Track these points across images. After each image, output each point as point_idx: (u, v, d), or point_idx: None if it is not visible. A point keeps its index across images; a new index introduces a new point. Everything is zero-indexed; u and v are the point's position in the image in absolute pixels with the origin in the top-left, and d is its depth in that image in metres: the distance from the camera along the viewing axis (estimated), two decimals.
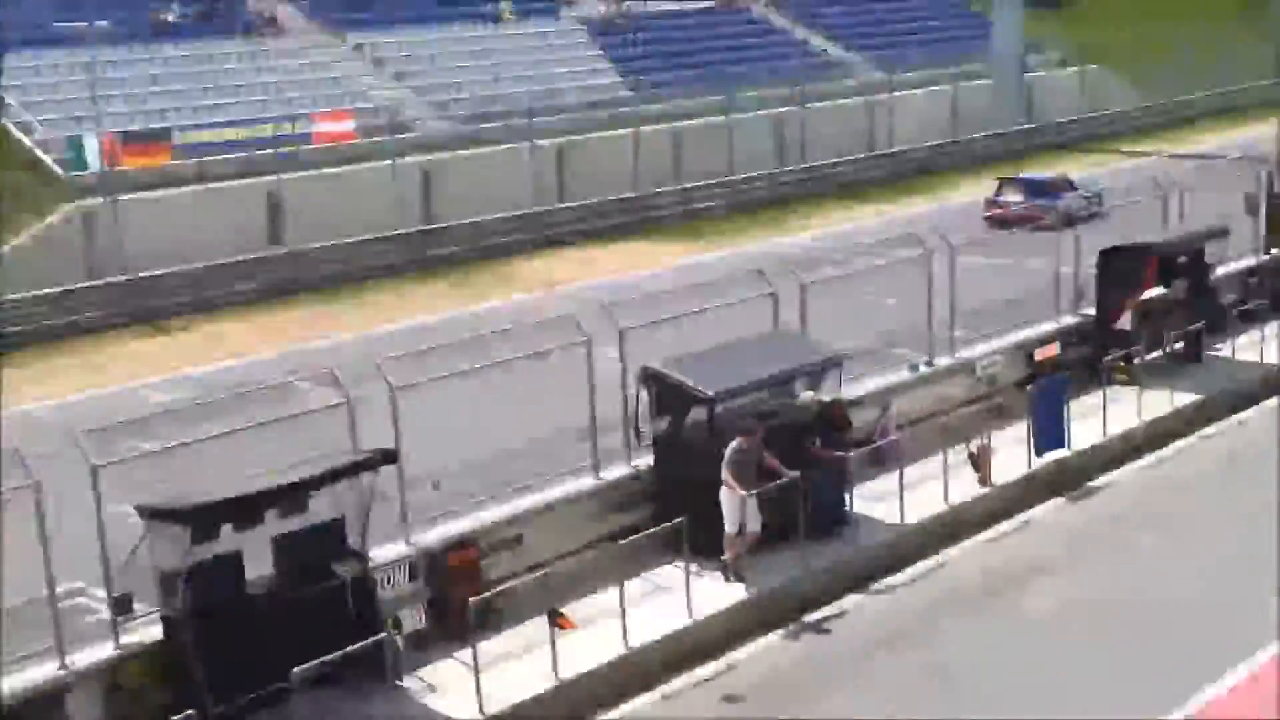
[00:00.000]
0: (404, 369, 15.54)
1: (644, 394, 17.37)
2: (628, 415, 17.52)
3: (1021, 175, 38.77)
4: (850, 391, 19.43)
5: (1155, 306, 23.79)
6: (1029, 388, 20.76)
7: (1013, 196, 36.38)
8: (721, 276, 21.95)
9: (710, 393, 16.75)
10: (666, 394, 17.22)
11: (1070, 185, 37.69)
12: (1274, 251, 27.37)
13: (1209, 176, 32.55)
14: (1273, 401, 22.93)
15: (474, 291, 32.57)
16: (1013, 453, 19.67)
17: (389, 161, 34.71)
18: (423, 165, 35.67)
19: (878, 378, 21.29)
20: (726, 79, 41.85)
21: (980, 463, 19.40)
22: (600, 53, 47.34)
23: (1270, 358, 24.05)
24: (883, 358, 22.66)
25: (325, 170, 35.05)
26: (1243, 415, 22.60)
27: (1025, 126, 48.27)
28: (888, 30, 54.18)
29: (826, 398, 18.43)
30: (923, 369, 22.04)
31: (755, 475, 16.26)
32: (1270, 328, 24.86)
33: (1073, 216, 32.94)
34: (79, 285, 30.91)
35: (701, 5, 53.44)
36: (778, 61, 47.58)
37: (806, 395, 18.47)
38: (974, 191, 40.32)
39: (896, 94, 45.22)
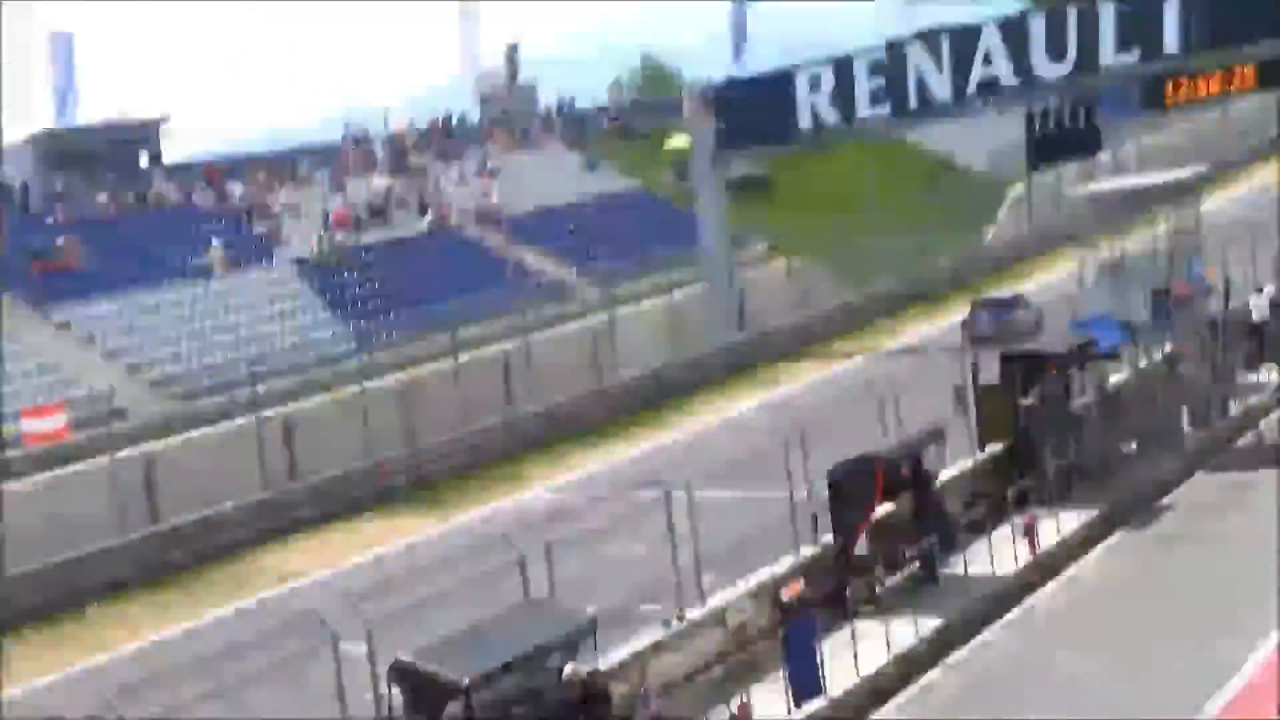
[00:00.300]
0: None
1: (396, 691, 16.76)
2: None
3: (990, 296, 47.66)
4: (607, 660, 19.12)
5: (887, 525, 23.77)
6: (780, 633, 20.68)
7: (986, 315, 44.59)
8: (464, 546, 21.60)
9: (464, 681, 16.21)
10: (420, 688, 16.58)
11: (1025, 303, 45.30)
12: (991, 449, 27.81)
13: (920, 369, 33.38)
14: (1010, 615, 23.47)
15: (205, 599, 30.61)
16: (772, 703, 19.47)
17: (106, 457, 33.14)
18: (143, 456, 34.21)
19: (634, 641, 20.79)
20: (448, 316, 41.53)
21: None
22: (318, 298, 46.53)
23: (1001, 569, 24.37)
24: (636, 616, 22.36)
25: (37, 477, 33.19)
26: (984, 635, 22.98)
27: (740, 339, 47.97)
28: (602, 242, 53.38)
29: (584, 670, 18.01)
30: (675, 624, 21.72)
31: None
32: (997, 535, 25.08)
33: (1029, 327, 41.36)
34: None
35: (414, 231, 52.68)
36: (495, 287, 47.24)
37: (569, 669, 17.88)
38: (705, 419, 41.03)
39: (619, 311, 45.11)
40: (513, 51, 71.91)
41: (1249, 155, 68.09)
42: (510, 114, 67.12)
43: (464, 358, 39.53)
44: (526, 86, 71.73)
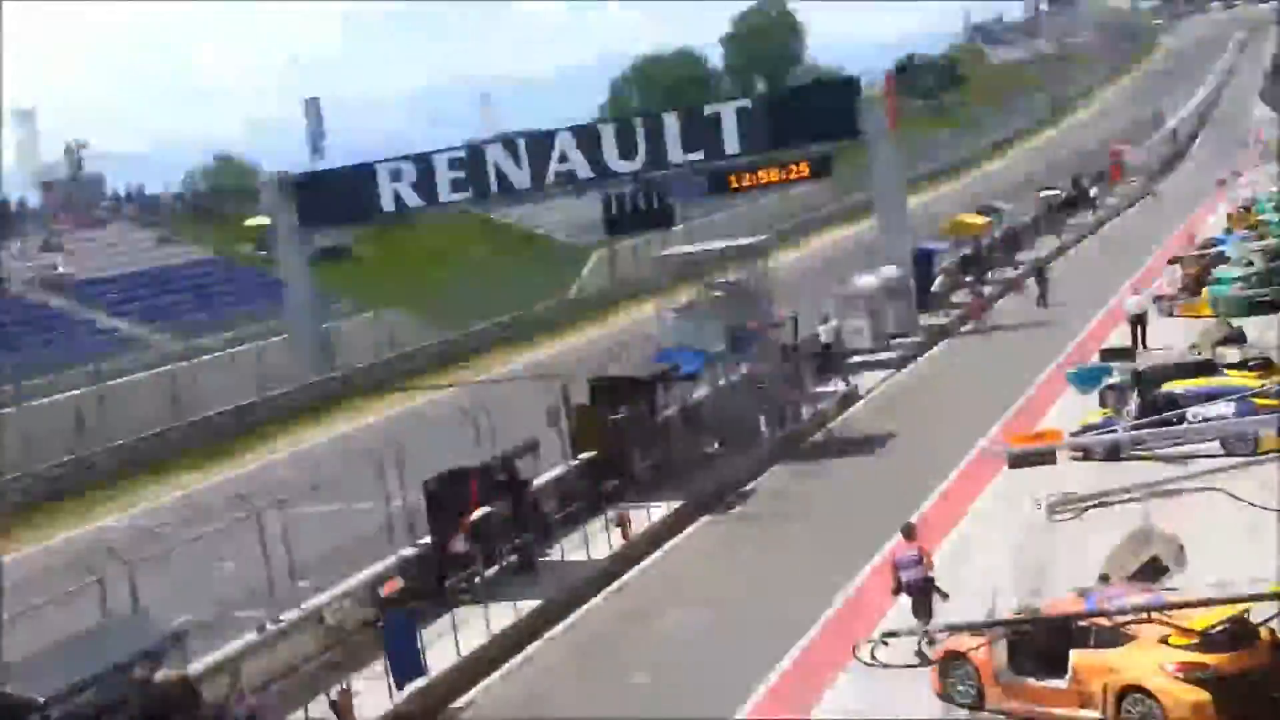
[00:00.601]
0: None
1: None
2: None
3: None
4: (198, 665, 18.79)
5: (484, 525, 24.66)
6: (379, 624, 20.83)
7: None
8: (41, 569, 20.49)
9: (40, 699, 15.46)
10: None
11: None
12: (582, 456, 28.98)
13: (514, 396, 34.60)
14: (610, 589, 24.40)
15: None
16: (376, 691, 19.58)
17: None
18: None
19: (225, 646, 20.45)
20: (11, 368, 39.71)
21: (342, 709, 19.05)
22: None
23: (596, 554, 25.40)
24: (228, 623, 21.81)
25: None
26: (583, 609, 23.74)
27: (331, 376, 49.13)
28: (183, 304, 54.20)
29: (175, 674, 17.53)
30: (270, 627, 21.39)
31: None
32: (592, 526, 26.36)
33: None
34: None
35: None
36: (66, 344, 45.99)
37: (159, 675, 17.50)
38: (286, 448, 41.02)
39: (200, 359, 44.97)
40: (76, 146, 74.91)
41: (804, 228, 76.42)
42: (75, 199, 69.43)
43: (35, 403, 37.66)
44: (92, 176, 75.18)
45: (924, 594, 19.17)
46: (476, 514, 24.71)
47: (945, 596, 19.16)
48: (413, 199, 49.59)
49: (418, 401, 46.29)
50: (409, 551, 24.42)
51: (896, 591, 19.56)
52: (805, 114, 45.91)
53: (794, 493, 29.28)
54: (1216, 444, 24.43)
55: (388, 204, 49.79)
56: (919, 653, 18.13)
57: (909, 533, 20.28)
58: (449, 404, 36.76)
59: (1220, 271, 41.35)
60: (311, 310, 51.67)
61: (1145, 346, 35.82)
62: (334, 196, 50.73)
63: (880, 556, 22.79)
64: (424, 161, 49.20)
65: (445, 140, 54.62)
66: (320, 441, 41.34)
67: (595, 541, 25.71)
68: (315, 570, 23.22)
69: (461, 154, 50.11)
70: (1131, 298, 39.45)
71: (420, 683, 20.14)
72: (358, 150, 69.50)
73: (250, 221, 62.98)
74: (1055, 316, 43.73)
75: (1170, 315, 39.36)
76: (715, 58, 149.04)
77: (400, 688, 19.87)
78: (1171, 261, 46.03)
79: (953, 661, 17.05)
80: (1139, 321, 37.25)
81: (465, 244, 65.53)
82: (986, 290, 50.62)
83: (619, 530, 26.11)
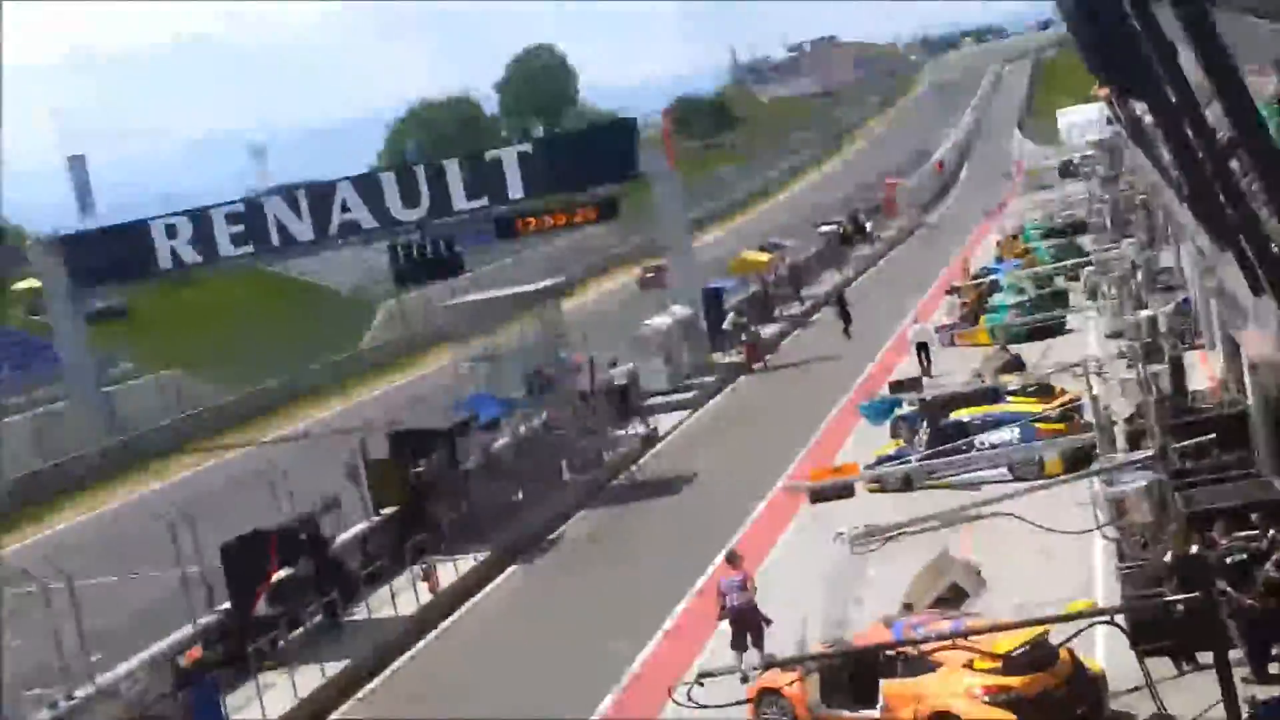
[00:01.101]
0: None
1: None
2: None
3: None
4: None
5: (286, 587, 24.17)
6: (180, 696, 20.27)
7: None
8: None
9: None
10: None
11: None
12: (384, 511, 28.59)
13: (310, 454, 34.02)
14: (419, 645, 24.09)
15: None
16: None
17: None
18: None
19: None
20: None
21: None
22: None
23: (404, 609, 25.03)
24: (19, 703, 20.90)
25: None
26: (393, 667, 23.39)
27: (117, 440, 47.67)
28: None
29: None
30: (63, 704, 20.56)
31: None
32: (398, 582, 25.98)
33: None
34: None
35: None
36: None
37: None
38: (75, 516, 39.60)
39: None
40: None
41: (595, 270, 77.08)
42: None
43: None
44: None
45: (747, 620, 19.46)
46: (277, 575, 24.31)
47: (768, 621, 19.50)
48: (191, 255, 48.48)
49: (210, 463, 45.27)
50: (208, 618, 23.81)
51: (721, 617, 19.81)
52: (586, 156, 46.41)
53: (601, 537, 29.37)
54: (1004, 470, 25.36)
55: (165, 261, 48.57)
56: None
57: (733, 559, 20.65)
58: (243, 465, 36.00)
59: (995, 300, 42.97)
60: (91, 373, 50.13)
61: (931, 374, 37.31)
62: (107, 255, 49.31)
63: (689, 598, 23.07)
64: (201, 217, 48.18)
65: (219, 194, 53.46)
66: (110, 508, 40.04)
67: (402, 597, 25.39)
68: (109, 643, 22.59)
69: (240, 208, 49.18)
70: (914, 326, 40.98)
71: None
72: (128, 206, 67.52)
73: (19, 285, 61.78)
74: (844, 350, 44.82)
75: (951, 344, 40.72)
76: (490, 104, 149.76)
77: None
78: (949, 292, 47.66)
79: (767, 697, 17.29)
80: (923, 349, 38.88)
81: (249, 299, 64.31)
82: (775, 328, 51.67)
83: (425, 584, 25.81)
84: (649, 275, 62.93)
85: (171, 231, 47.98)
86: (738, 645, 19.40)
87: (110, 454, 46.57)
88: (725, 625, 19.75)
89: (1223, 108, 7.69)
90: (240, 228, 47.79)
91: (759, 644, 19.40)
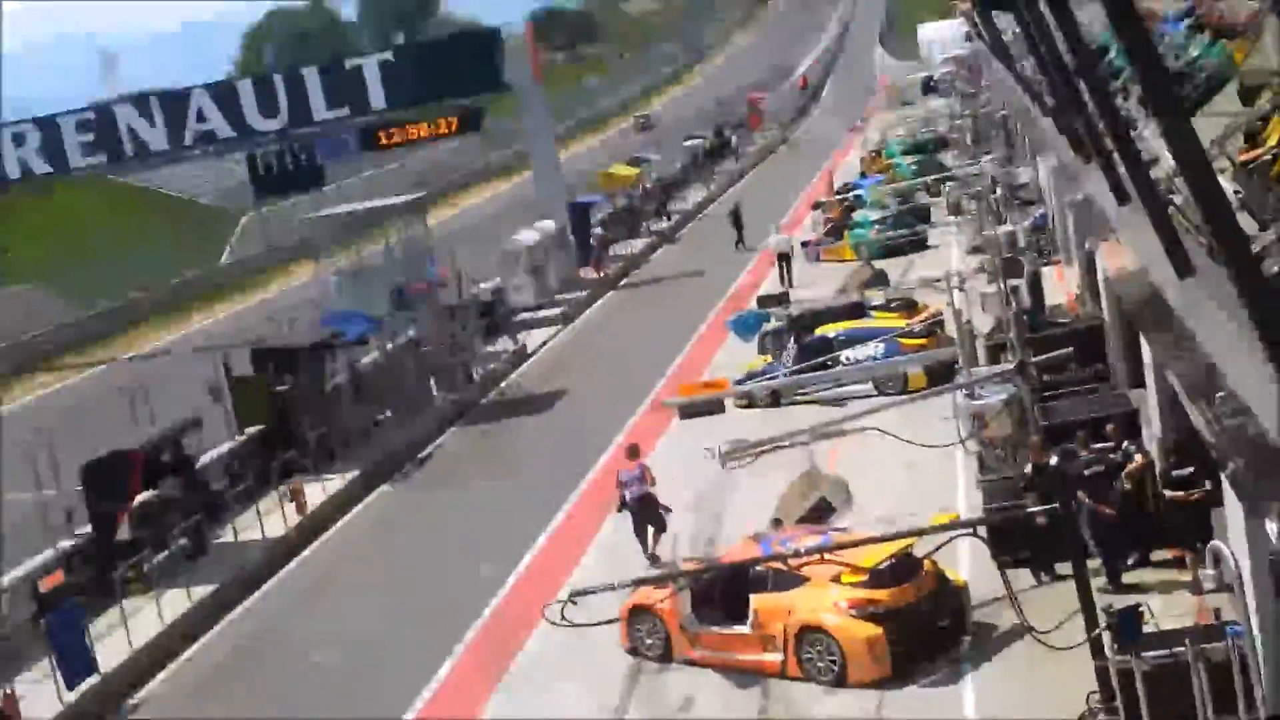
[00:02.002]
0: None
1: None
2: None
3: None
4: None
5: (152, 509, 23.80)
6: (42, 622, 19.89)
7: None
8: None
9: None
10: None
11: None
12: (249, 430, 28.12)
13: (171, 372, 33.34)
14: (287, 568, 23.88)
15: None
16: (44, 692, 18.83)
17: None
18: None
19: None
20: None
21: (6, 713, 18.14)
22: None
23: (271, 531, 24.73)
24: None
25: None
26: (261, 590, 23.19)
27: None
28: None
29: None
30: None
31: None
32: (265, 503, 25.57)
33: None
34: None
35: None
36: None
37: None
38: None
39: None
40: None
41: (460, 184, 76.00)
42: None
43: None
44: None
45: (648, 509, 20.21)
46: (141, 498, 23.97)
47: (668, 510, 20.23)
48: (40, 165, 46.74)
49: (66, 382, 44.07)
50: (69, 542, 23.35)
51: (621, 509, 20.47)
52: (449, 67, 45.51)
53: (470, 455, 29.27)
54: (869, 384, 25.76)
55: (12, 171, 46.68)
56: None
57: (632, 452, 21.37)
58: (101, 383, 35.09)
59: (859, 216, 43.39)
60: None
61: (792, 284, 37.99)
62: None
63: (560, 516, 23.20)
64: (49, 125, 46.42)
65: (69, 103, 51.46)
66: None
67: (269, 519, 25.00)
68: None
69: (90, 115, 47.26)
70: (775, 237, 41.34)
71: (92, 680, 19.38)
72: None
73: None
74: (711, 265, 44.98)
75: (817, 260, 41.09)
76: (349, 10, 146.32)
77: (71, 687, 19.18)
78: (814, 207, 48.01)
79: (638, 615, 17.42)
80: (784, 259, 39.69)
81: (103, 211, 62.24)
82: (642, 243, 51.69)
83: (293, 505, 25.47)
84: (641, 120, 74.05)
85: (19, 140, 46.26)
86: (640, 532, 20.27)
87: None
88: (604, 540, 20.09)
89: (1110, 24, 7.74)
90: (91, 136, 46.17)
91: (659, 531, 20.28)
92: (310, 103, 45.07)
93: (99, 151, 46.54)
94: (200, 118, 45.49)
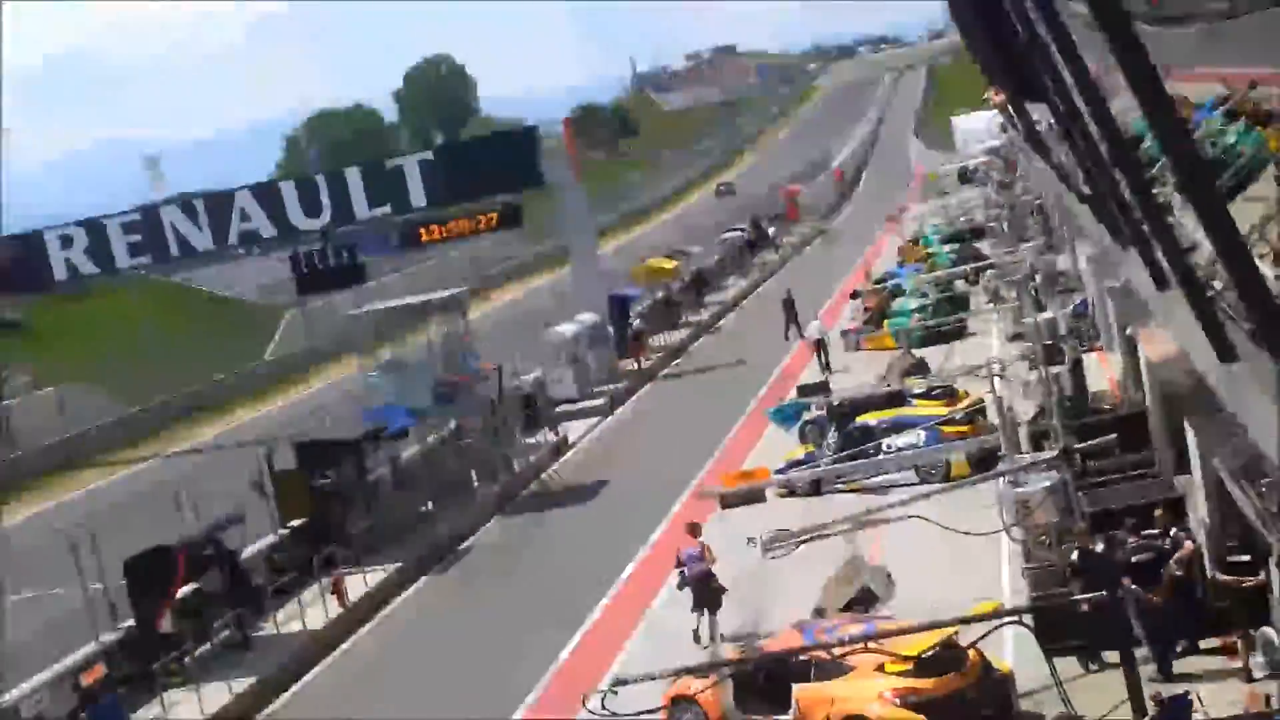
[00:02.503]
0: None
1: None
2: None
3: None
4: None
5: (193, 602, 23.88)
6: (82, 715, 19.94)
7: None
8: None
9: None
10: None
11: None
12: (292, 523, 28.25)
13: (215, 467, 33.53)
14: (328, 660, 23.81)
15: None
16: None
17: None
18: None
19: None
20: None
21: None
22: None
23: (313, 623, 24.72)
24: None
25: None
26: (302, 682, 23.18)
27: (11, 456, 46.62)
28: None
29: None
30: None
31: None
32: (307, 595, 25.62)
33: None
34: None
35: None
36: None
37: None
38: None
39: None
40: None
41: (500, 279, 76.70)
42: None
43: None
44: None
45: (705, 587, 20.50)
46: (183, 590, 23.97)
47: (724, 590, 20.44)
48: (88, 266, 47.42)
49: (112, 478, 44.40)
50: (111, 636, 23.39)
51: (681, 586, 20.71)
52: (489, 165, 46.05)
53: (512, 547, 29.27)
54: (911, 472, 25.64)
55: (60, 273, 47.44)
56: None
57: (694, 530, 21.61)
58: (146, 479, 35.38)
59: (898, 304, 43.45)
60: None
61: (830, 369, 38.30)
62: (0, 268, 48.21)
63: (601, 607, 23.13)
64: (96, 227, 47.18)
65: (112, 207, 52.48)
66: (10, 525, 39.06)
67: (311, 611, 25.03)
68: (9, 663, 22.15)
69: (136, 217, 48.12)
70: (812, 323, 41.71)
71: None
72: (17, 219, 65.86)
73: None
74: (751, 354, 45.04)
75: (857, 349, 41.12)
76: (389, 112, 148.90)
77: None
78: (853, 296, 48.10)
79: (680, 705, 17.27)
80: (821, 346, 40.09)
81: (149, 311, 63.20)
82: (681, 334, 51.86)
83: (334, 597, 25.50)
84: (722, 187, 76.31)
85: (66, 242, 47.02)
86: (699, 609, 20.60)
87: (6, 469, 45.55)
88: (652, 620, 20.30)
89: (1144, 113, 7.82)
90: (137, 237, 46.87)
91: (714, 610, 20.57)
92: (352, 202, 45.69)
93: (145, 252, 47.24)
94: (244, 218, 46.14)
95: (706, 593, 20.60)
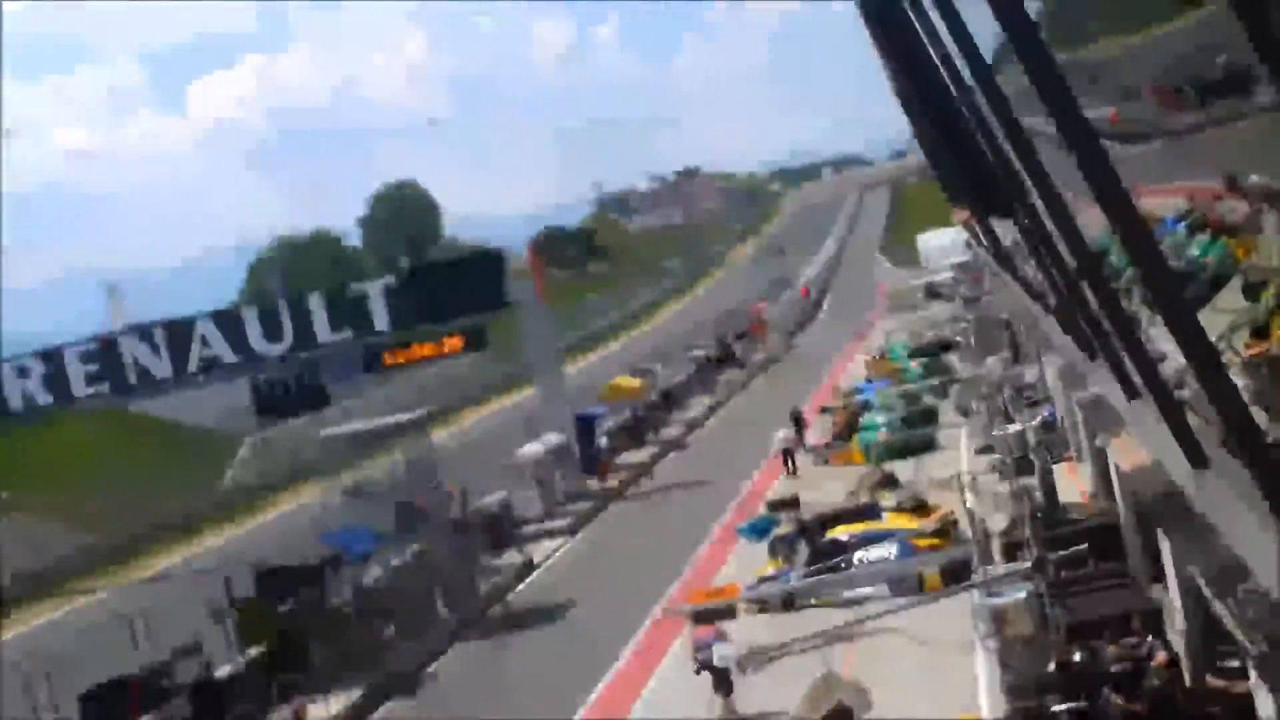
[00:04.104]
0: None
1: None
2: None
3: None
4: None
5: None
6: None
7: None
8: None
9: None
10: None
11: None
12: (252, 651, 27.68)
13: (173, 596, 33.06)
14: None
15: None
16: None
17: None
18: None
19: None
20: None
21: None
22: None
23: None
24: None
25: None
26: None
27: None
28: None
29: None
30: None
31: None
32: None
33: None
34: None
35: None
36: None
37: None
38: None
39: None
40: None
41: (464, 401, 76.07)
42: None
43: None
44: None
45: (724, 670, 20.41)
46: None
47: (744, 670, 20.32)
48: (44, 396, 47.29)
49: (67, 610, 43.46)
50: None
51: (699, 671, 20.60)
52: (453, 288, 46.12)
53: (477, 671, 28.58)
54: (885, 586, 25.27)
55: (15, 403, 47.23)
56: None
57: (702, 618, 22.33)
58: (103, 610, 34.64)
59: (866, 419, 43.31)
60: None
61: (796, 472, 39.31)
62: None
63: None
64: (53, 357, 47.07)
65: (73, 334, 52.15)
66: None
67: None
68: None
69: (93, 347, 47.98)
70: (779, 433, 42.17)
71: None
72: None
73: None
74: (718, 472, 44.70)
75: (825, 463, 40.87)
76: (353, 236, 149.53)
77: None
78: (821, 411, 48.00)
79: None
80: (788, 454, 40.90)
81: (105, 440, 62.54)
82: (648, 452, 51.57)
83: None
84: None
85: (23, 372, 46.93)
86: (719, 689, 20.59)
87: None
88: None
89: (1113, 228, 7.77)
90: (95, 366, 46.83)
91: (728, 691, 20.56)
92: (314, 327, 45.67)
93: (102, 380, 47.06)
94: (205, 344, 46.11)
95: (721, 677, 20.67)
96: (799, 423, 45.24)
